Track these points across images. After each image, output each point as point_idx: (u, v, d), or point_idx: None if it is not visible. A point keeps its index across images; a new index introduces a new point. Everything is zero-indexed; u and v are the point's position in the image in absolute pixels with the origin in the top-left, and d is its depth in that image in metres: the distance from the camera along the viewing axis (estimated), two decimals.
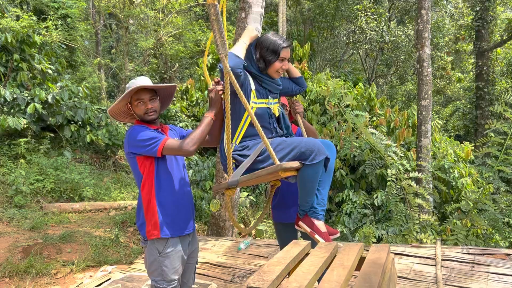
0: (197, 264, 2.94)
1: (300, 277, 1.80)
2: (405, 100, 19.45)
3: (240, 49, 2.49)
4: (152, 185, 2.54)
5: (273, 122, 2.62)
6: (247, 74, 2.57)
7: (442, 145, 9.41)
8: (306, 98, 10.05)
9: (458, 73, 21.46)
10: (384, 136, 9.65)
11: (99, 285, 4.33)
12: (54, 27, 10.11)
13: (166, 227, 2.52)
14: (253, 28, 2.66)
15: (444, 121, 21.20)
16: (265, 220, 8.12)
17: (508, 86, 16.44)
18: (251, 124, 2.49)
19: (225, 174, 2.61)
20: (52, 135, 9.04)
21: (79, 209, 7.52)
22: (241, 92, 2.35)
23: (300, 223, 2.54)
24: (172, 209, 2.56)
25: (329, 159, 2.36)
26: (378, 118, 10.13)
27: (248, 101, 2.50)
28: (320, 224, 2.48)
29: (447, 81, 21.41)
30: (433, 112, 21.36)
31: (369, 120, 9.92)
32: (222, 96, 2.55)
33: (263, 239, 5.95)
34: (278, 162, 2.24)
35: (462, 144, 9.94)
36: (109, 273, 4.72)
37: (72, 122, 9.21)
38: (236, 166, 2.51)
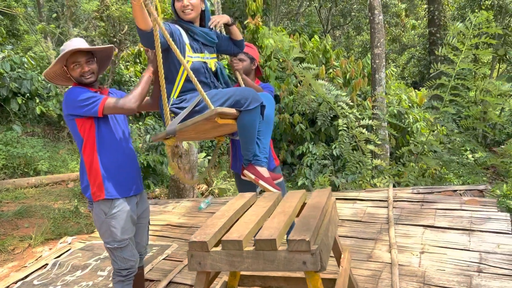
0: (149, 224, 2.95)
1: (242, 227, 1.82)
2: (361, 50, 19.58)
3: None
4: (94, 147, 2.48)
5: (209, 76, 2.60)
6: (178, 28, 2.52)
7: (396, 92, 9.60)
8: (263, 54, 9.92)
9: (412, 20, 21.68)
10: (341, 87, 9.79)
11: (58, 256, 4.28)
12: None
13: (111, 188, 2.48)
14: None
15: (401, 68, 21.58)
16: (228, 179, 8.17)
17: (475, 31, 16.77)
18: (187, 80, 2.49)
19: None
20: None
21: (35, 183, 7.29)
22: (172, 42, 2.30)
23: (245, 172, 2.59)
24: (115, 170, 2.52)
25: (264, 106, 2.42)
26: (334, 69, 10.17)
27: (184, 55, 2.48)
28: (263, 170, 2.54)
29: (402, 29, 21.63)
30: (390, 60, 21.71)
31: (326, 72, 9.96)
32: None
33: (225, 197, 6.01)
34: (213, 108, 2.24)
35: (416, 90, 10.19)
36: (69, 244, 4.67)
37: (19, 95, 8.77)
38: None
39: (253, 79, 3.20)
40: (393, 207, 4.14)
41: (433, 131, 8.39)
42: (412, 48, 22.06)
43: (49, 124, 9.69)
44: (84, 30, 11.39)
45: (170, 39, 2.31)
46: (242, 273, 2.39)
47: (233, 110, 2.32)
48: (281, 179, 2.79)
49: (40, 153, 7.87)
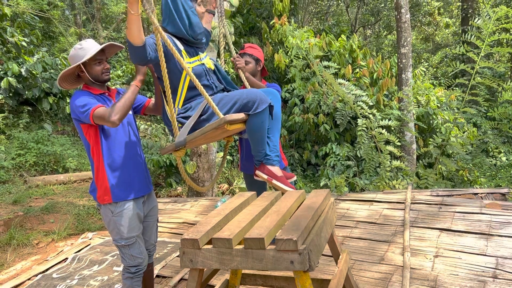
0: (158, 222, 2.99)
1: (234, 225, 1.83)
2: (391, 50, 19.18)
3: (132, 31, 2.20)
4: (100, 152, 2.53)
5: (210, 77, 2.59)
6: (170, 36, 2.48)
7: (424, 92, 9.37)
8: (289, 54, 9.88)
9: (446, 18, 21.06)
10: (367, 86, 9.63)
11: (78, 251, 4.42)
12: None
13: (117, 192, 2.53)
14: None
15: (434, 68, 21.00)
16: None
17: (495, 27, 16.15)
18: (189, 87, 2.46)
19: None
20: (30, 108, 8.94)
21: (64, 180, 7.56)
22: (176, 51, 2.26)
23: (257, 172, 2.57)
24: (121, 174, 2.56)
25: (273, 106, 2.38)
26: (361, 69, 10.02)
27: None
28: (276, 169, 2.51)
29: (435, 27, 21.07)
30: (423, 60, 21.17)
31: (352, 72, 9.83)
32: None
33: None
34: (222, 116, 2.22)
35: (445, 90, 9.91)
36: (90, 239, 4.81)
37: (51, 94, 9.10)
38: None
39: (259, 79, 3.20)
40: (410, 210, 4.04)
41: (464, 132, 8.15)
42: (446, 48, 21.44)
43: None
44: (113, 31, 11.71)
45: (174, 48, 2.25)
46: (244, 271, 2.40)
47: (241, 115, 2.28)
48: (295, 177, 2.75)
49: (69, 151, 8.14)
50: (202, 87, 2.31)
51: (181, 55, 2.45)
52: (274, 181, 2.51)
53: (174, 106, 2.51)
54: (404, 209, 4.07)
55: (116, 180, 2.55)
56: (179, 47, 2.48)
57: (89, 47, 2.54)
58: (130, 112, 2.76)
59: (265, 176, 2.55)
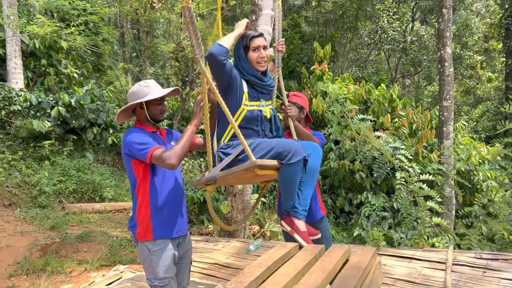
0: (191, 264, 2.98)
1: (277, 279, 1.80)
2: (430, 101, 18.98)
3: (226, 39, 2.53)
4: (146, 190, 2.58)
5: (261, 125, 2.65)
6: (239, 76, 2.61)
7: (466, 147, 9.15)
8: (326, 100, 9.94)
9: (489, 72, 20.79)
10: (406, 137, 9.51)
11: (109, 283, 4.44)
12: (77, 32, 10.45)
13: (158, 230, 2.57)
14: (244, 21, 2.68)
15: (474, 122, 20.57)
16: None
17: None
18: (241, 125, 2.55)
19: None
20: (75, 137, 9.31)
21: (99, 209, 7.71)
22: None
23: (282, 222, 2.60)
24: (163, 212, 2.60)
25: (307, 160, 2.40)
26: (400, 119, 9.95)
27: (240, 103, 2.57)
28: (300, 224, 2.52)
29: (477, 81, 20.81)
30: (463, 113, 20.80)
31: (391, 121, 9.77)
32: (202, 106, 2.57)
33: (273, 241, 5.95)
34: (254, 159, 2.27)
35: (488, 147, 9.62)
36: (121, 272, 4.83)
37: (95, 125, 9.47)
38: None
39: (303, 126, 3.24)
40: (452, 271, 3.86)
41: (506, 191, 7.83)
42: (487, 102, 21.04)
43: (119, 153, 10.28)
44: (159, 68, 12.22)
45: (225, 106, 2.40)
46: None
47: (273, 162, 2.34)
48: (319, 235, 2.73)
49: (107, 181, 8.35)
50: (239, 129, 2.39)
51: (241, 95, 2.56)
52: (296, 236, 2.52)
53: (221, 140, 2.60)
54: (445, 270, 3.90)
55: (158, 218, 2.58)
56: (243, 89, 2.60)
57: (154, 86, 2.65)
58: None
59: (289, 228, 2.57)
